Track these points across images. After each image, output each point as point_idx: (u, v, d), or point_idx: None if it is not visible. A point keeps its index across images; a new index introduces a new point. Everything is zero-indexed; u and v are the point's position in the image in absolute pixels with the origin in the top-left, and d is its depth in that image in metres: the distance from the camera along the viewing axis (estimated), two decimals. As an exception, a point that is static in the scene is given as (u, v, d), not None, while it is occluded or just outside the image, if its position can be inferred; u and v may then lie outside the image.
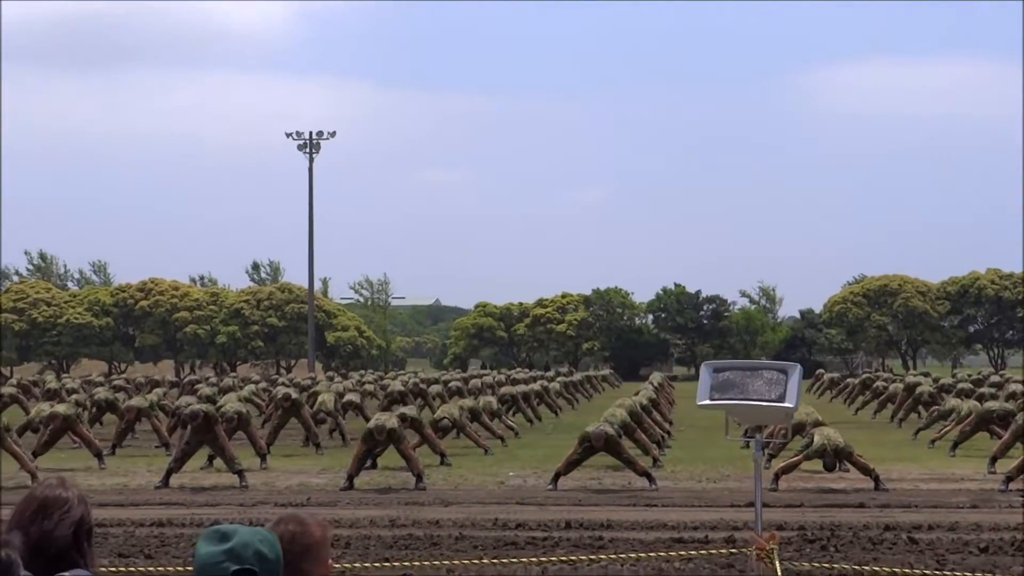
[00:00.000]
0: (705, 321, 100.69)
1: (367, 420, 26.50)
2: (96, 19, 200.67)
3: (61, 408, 25.76)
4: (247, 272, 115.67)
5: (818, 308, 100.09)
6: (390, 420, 21.87)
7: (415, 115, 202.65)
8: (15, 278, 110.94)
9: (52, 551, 4.07)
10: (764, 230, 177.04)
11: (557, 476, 20.91)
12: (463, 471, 23.66)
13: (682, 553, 13.87)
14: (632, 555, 13.74)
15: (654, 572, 12.86)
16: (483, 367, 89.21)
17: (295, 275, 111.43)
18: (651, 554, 13.75)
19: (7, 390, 43.76)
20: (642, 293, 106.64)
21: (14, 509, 4.23)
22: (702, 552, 13.73)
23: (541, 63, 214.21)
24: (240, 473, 21.60)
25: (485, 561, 13.59)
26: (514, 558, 13.76)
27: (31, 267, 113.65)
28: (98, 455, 25.08)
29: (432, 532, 15.82)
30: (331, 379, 54.74)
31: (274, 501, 19.33)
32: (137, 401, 31.75)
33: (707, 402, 11.32)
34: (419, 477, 21.05)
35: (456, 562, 13.56)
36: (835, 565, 12.84)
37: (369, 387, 46.41)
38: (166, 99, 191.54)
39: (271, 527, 3.94)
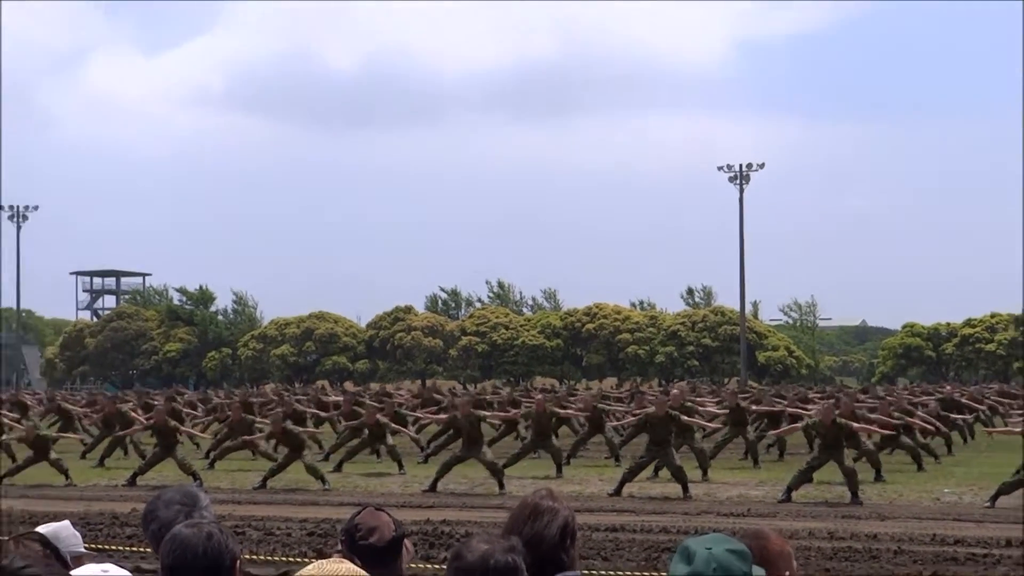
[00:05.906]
0: None
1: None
2: (548, 70, 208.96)
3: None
4: (682, 296, 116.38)
5: None
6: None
7: (841, 145, 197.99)
8: (477, 304, 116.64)
9: (542, 549, 4.38)
10: None
11: (998, 495, 19.84)
12: (897, 486, 22.85)
13: None
14: (1080, 576, 12.88)
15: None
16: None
17: (727, 298, 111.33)
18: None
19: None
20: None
21: (510, 514, 4.57)
22: None
23: (959, 81, 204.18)
24: (684, 485, 21.72)
25: (926, 575, 13.09)
26: (955, 574, 13.19)
27: (491, 295, 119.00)
28: (557, 464, 25.90)
29: (871, 545, 15.37)
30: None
31: (716, 511, 19.32)
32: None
33: None
34: (855, 494, 20.49)
35: (897, 575, 13.13)
36: None
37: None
38: (609, 139, 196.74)
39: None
